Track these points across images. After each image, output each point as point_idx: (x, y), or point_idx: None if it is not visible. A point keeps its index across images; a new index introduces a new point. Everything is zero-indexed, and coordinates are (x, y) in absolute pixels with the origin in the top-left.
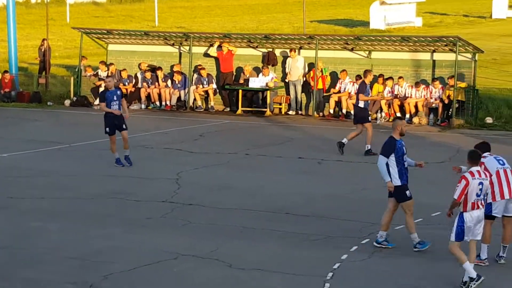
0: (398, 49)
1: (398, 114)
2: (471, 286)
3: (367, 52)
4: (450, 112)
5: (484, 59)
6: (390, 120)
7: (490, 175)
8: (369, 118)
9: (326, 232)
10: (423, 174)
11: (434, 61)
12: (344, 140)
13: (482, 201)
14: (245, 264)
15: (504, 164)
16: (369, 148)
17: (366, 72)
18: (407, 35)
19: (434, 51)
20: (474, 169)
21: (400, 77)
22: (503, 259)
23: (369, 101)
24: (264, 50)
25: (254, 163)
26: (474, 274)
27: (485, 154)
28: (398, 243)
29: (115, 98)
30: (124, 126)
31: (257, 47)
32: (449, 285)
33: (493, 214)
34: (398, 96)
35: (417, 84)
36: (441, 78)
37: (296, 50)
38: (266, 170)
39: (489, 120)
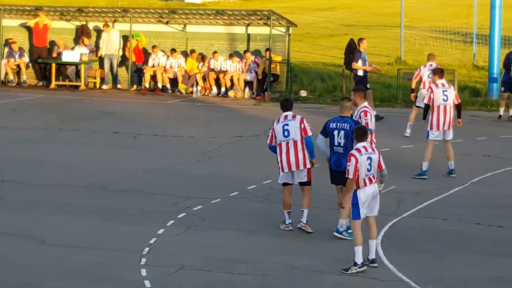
0: (213, 22)
1: (214, 88)
2: (352, 270)
3: (182, 26)
4: (265, 86)
5: (298, 33)
6: (206, 93)
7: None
8: (368, 85)
9: (143, 207)
10: (239, 146)
11: (249, 34)
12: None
13: (374, 176)
14: (59, 241)
15: (288, 136)
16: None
17: (360, 40)
18: (222, 8)
19: (248, 24)
20: (360, 145)
21: (214, 52)
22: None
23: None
24: (78, 23)
25: (69, 138)
26: (359, 261)
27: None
28: (215, 218)
29: None
30: None
31: (70, 20)
32: (262, 255)
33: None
34: (214, 70)
35: (231, 56)
36: (257, 51)
37: (110, 24)
38: (81, 145)
39: (303, 93)
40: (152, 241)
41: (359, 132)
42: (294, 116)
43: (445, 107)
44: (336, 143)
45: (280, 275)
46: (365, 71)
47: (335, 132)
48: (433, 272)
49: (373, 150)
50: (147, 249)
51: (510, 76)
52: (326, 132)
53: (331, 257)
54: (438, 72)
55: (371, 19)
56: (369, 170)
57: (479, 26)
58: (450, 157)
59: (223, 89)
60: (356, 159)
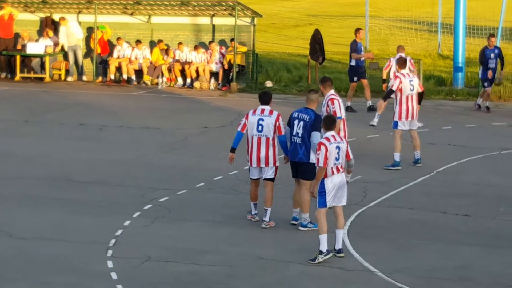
0: (178, 13)
1: (180, 79)
2: (318, 259)
3: (147, 17)
4: (230, 76)
5: (264, 23)
6: (172, 84)
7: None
8: (365, 74)
9: (109, 198)
10: (205, 137)
11: (214, 25)
12: (369, 103)
13: (342, 165)
14: (26, 233)
15: (261, 131)
16: (370, 104)
17: (356, 30)
18: None
19: (213, 15)
20: (329, 134)
21: (180, 43)
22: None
23: (362, 59)
24: (42, 15)
25: (35, 130)
26: (324, 248)
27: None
28: (181, 209)
29: None
30: None
31: (34, 12)
32: (228, 245)
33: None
34: (179, 61)
35: (196, 47)
36: (222, 42)
37: (66, 18)
38: (47, 137)
39: (269, 83)
40: (118, 232)
41: (327, 121)
42: (271, 112)
43: (412, 97)
44: (294, 133)
45: (246, 265)
46: (357, 61)
47: (296, 122)
48: (400, 261)
49: (341, 139)
50: (113, 241)
51: (488, 73)
52: (289, 120)
53: (297, 247)
54: (401, 62)
55: (336, 9)
56: (337, 159)
57: (444, 16)
58: (417, 146)
59: (188, 80)
60: (326, 147)
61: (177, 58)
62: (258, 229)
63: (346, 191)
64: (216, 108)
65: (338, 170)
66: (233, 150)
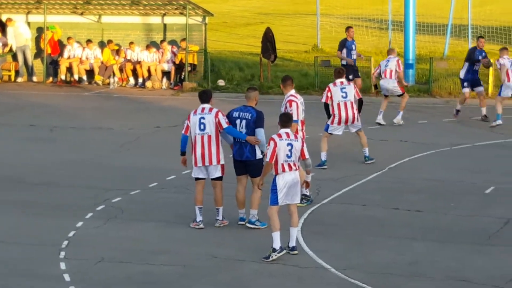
0: (129, 13)
1: (131, 79)
2: (272, 257)
3: (97, 17)
4: (182, 76)
5: (215, 22)
6: (123, 84)
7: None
8: (358, 73)
9: (61, 200)
10: (157, 137)
11: (165, 24)
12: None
13: (295, 163)
14: None
15: (203, 129)
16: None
17: (346, 29)
18: None
19: (164, 14)
20: (283, 131)
21: (131, 42)
22: (218, 222)
23: (354, 57)
24: None
25: None
26: (278, 246)
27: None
28: (134, 209)
29: None
30: None
31: None
32: (182, 245)
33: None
34: (131, 60)
35: (148, 47)
36: (173, 41)
37: (13, 18)
38: None
39: (221, 82)
40: (71, 234)
41: (282, 119)
42: (210, 110)
43: (345, 104)
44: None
45: (200, 265)
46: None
47: (238, 121)
48: (353, 257)
49: (295, 138)
50: (66, 242)
51: (473, 72)
52: (229, 120)
53: (251, 245)
54: (336, 72)
55: (288, 7)
56: (289, 156)
57: (394, 13)
58: (364, 144)
59: (140, 80)
60: (275, 143)
61: (128, 57)
62: (211, 229)
63: (300, 189)
64: (168, 108)
65: (290, 168)
66: (183, 153)
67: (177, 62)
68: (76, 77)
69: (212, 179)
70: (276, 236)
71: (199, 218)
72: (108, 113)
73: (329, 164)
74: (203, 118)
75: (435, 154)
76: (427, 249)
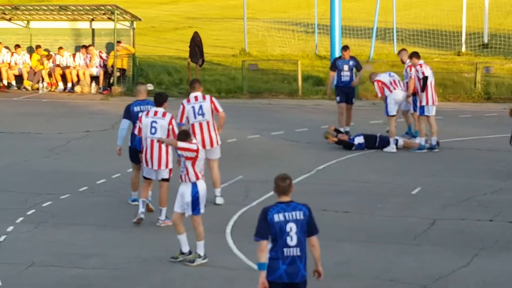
0: (57, 18)
1: (60, 84)
2: (178, 258)
3: (25, 22)
4: (111, 80)
5: (143, 26)
6: (53, 89)
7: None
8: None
9: None
10: (87, 142)
11: (93, 29)
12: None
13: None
14: None
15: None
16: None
17: (342, 48)
18: (65, 4)
19: (93, 19)
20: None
21: (60, 47)
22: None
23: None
24: None
25: None
26: (186, 249)
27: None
28: (65, 213)
29: None
30: None
31: None
32: (113, 248)
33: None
34: (59, 65)
35: (77, 51)
36: (102, 46)
37: None
38: None
39: (150, 87)
40: (1, 238)
41: (179, 137)
42: (164, 114)
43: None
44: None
45: (131, 268)
46: (337, 80)
47: (140, 114)
48: None
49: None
50: None
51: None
52: (130, 115)
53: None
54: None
55: (215, 11)
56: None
57: (320, 17)
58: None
59: (69, 85)
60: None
61: (57, 62)
62: (142, 232)
63: (190, 201)
64: (98, 112)
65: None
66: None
67: (109, 66)
68: (5, 82)
69: (160, 180)
70: (182, 238)
71: (141, 210)
72: (37, 118)
73: (256, 166)
74: (155, 122)
75: (362, 155)
76: (355, 250)
